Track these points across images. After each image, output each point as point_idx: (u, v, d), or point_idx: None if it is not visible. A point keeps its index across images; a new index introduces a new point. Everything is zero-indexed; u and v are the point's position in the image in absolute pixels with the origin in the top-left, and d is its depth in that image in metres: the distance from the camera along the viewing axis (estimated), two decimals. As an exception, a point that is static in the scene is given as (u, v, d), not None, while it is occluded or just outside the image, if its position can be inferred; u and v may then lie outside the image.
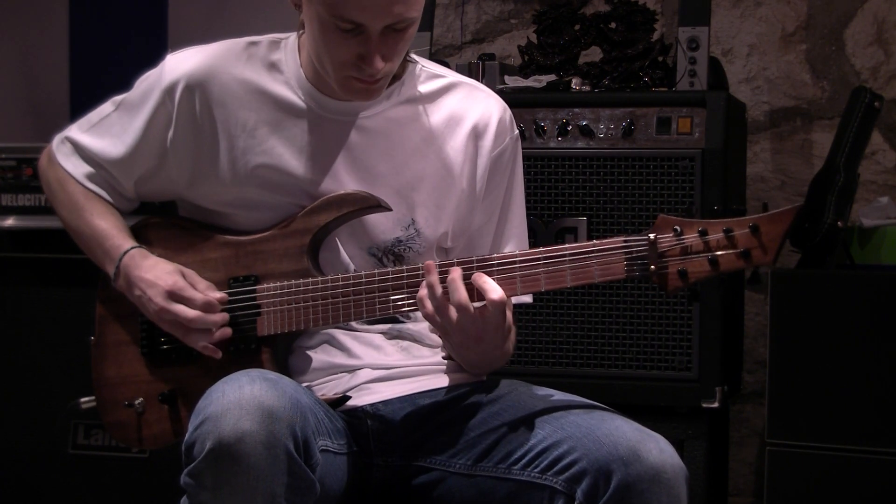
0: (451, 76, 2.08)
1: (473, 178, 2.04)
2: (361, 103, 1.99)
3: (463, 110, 2.04)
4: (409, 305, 1.89)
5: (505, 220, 2.09)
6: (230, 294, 1.99)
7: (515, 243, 2.08)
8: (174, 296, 1.96)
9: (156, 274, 1.98)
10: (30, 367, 3.13)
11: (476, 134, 2.04)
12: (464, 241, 2.07)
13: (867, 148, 3.08)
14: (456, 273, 1.82)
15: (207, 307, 1.95)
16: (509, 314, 1.87)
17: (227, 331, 1.97)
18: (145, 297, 1.98)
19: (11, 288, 3.16)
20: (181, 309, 1.95)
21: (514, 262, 1.83)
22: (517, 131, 2.10)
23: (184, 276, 1.99)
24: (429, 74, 2.05)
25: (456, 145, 2.03)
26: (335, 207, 1.97)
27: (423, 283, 1.84)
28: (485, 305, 1.81)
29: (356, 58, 1.88)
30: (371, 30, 1.84)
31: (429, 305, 1.83)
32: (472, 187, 2.04)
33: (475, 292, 1.82)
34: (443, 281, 1.83)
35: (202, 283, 1.99)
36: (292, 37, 2.04)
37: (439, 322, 1.84)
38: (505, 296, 1.80)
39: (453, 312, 1.82)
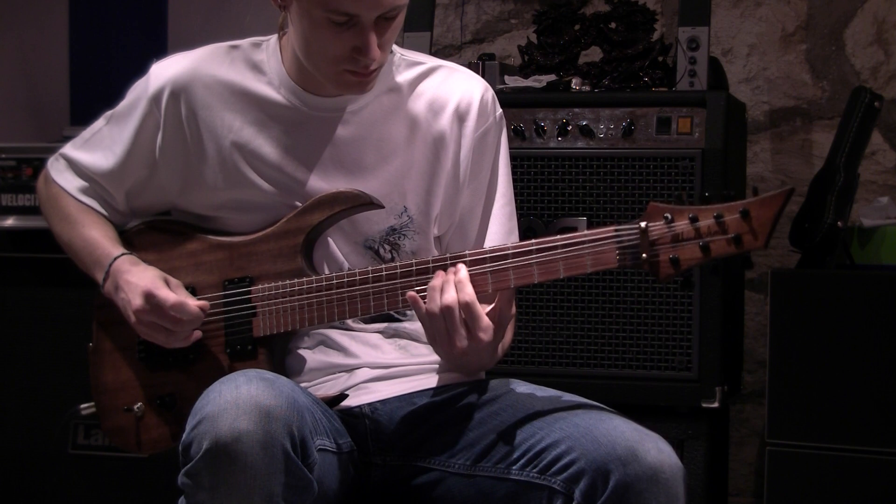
0: (430, 61, 2.09)
1: (458, 160, 2.04)
2: (344, 99, 2.00)
3: (444, 93, 2.05)
4: (403, 302, 1.89)
5: (492, 201, 2.09)
6: (225, 296, 2.00)
7: (502, 223, 2.08)
8: (152, 293, 1.95)
9: (139, 276, 1.99)
10: (30, 367, 3.13)
11: (459, 115, 2.04)
12: (454, 224, 2.08)
13: (867, 148, 3.08)
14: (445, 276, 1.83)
15: (183, 301, 1.95)
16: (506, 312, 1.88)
17: (198, 333, 1.97)
18: (127, 299, 1.98)
19: (11, 288, 3.17)
20: (161, 295, 1.94)
21: (507, 255, 1.83)
22: (500, 111, 2.09)
23: (167, 282, 1.99)
24: (408, 63, 2.06)
25: (440, 128, 2.04)
26: (327, 206, 1.97)
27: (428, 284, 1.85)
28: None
29: (351, 51, 1.89)
30: (365, 20, 1.86)
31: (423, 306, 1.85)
32: (457, 168, 2.05)
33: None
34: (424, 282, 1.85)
35: (183, 291, 2.00)
36: (273, 38, 2.05)
37: (429, 326, 1.86)
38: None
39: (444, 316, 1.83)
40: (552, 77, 3.12)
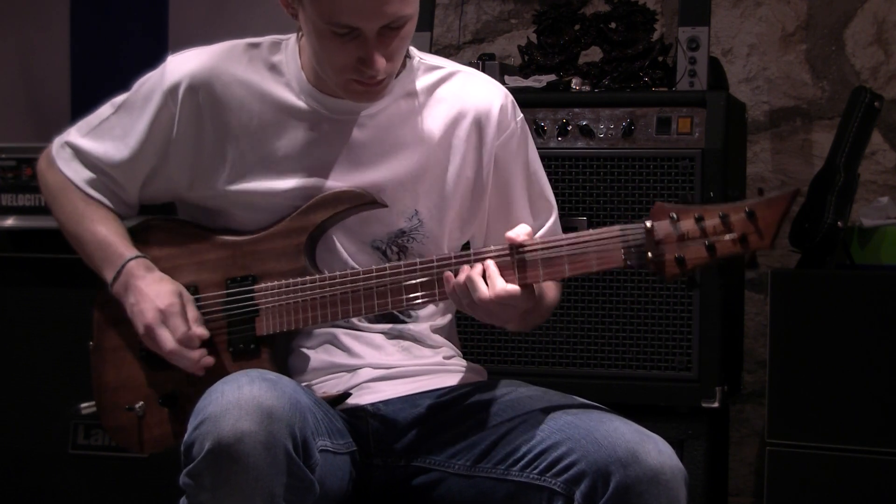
0: (450, 66, 2.08)
1: (480, 168, 2.05)
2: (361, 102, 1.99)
3: (463, 100, 2.05)
4: (406, 302, 1.89)
5: (536, 196, 2.10)
6: (228, 295, 2.00)
7: (545, 218, 2.11)
8: (164, 317, 1.96)
9: (155, 291, 1.99)
10: (30, 367, 3.13)
11: (479, 123, 2.04)
12: (481, 228, 2.09)
13: (867, 148, 3.08)
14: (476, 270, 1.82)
15: (186, 340, 1.96)
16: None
17: (209, 360, 1.97)
18: (137, 308, 1.98)
19: (11, 288, 3.16)
20: (163, 336, 1.96)
21: (512, 254, 1.83)
22: (521, 115, 2.09)
23: (181, 299, 1.99)
24: (427, 67, 2.06)
25: (459, 135, 2.04)
26: (330, 205, 1.97)
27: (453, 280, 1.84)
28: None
29: (356, 61, 1.88)
30: (367, 32, 1.84)
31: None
32: (479, 176, 2.05)
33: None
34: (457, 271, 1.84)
35: (193, 314, 1.99)
36: (292, 38, 2.04)
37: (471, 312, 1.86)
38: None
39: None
40: (552, 77, 3.13)
